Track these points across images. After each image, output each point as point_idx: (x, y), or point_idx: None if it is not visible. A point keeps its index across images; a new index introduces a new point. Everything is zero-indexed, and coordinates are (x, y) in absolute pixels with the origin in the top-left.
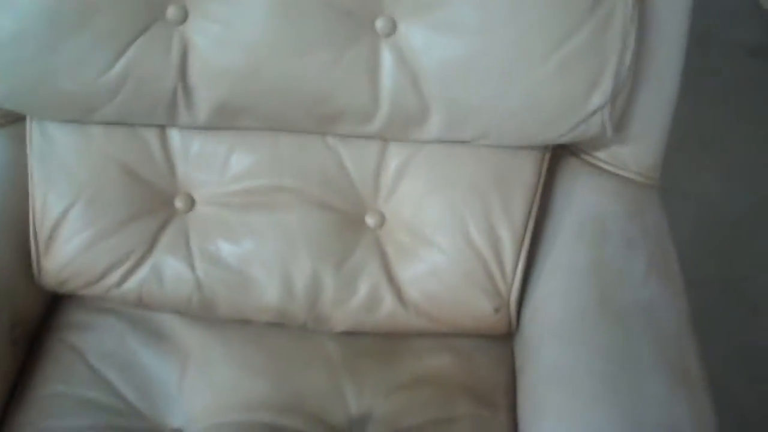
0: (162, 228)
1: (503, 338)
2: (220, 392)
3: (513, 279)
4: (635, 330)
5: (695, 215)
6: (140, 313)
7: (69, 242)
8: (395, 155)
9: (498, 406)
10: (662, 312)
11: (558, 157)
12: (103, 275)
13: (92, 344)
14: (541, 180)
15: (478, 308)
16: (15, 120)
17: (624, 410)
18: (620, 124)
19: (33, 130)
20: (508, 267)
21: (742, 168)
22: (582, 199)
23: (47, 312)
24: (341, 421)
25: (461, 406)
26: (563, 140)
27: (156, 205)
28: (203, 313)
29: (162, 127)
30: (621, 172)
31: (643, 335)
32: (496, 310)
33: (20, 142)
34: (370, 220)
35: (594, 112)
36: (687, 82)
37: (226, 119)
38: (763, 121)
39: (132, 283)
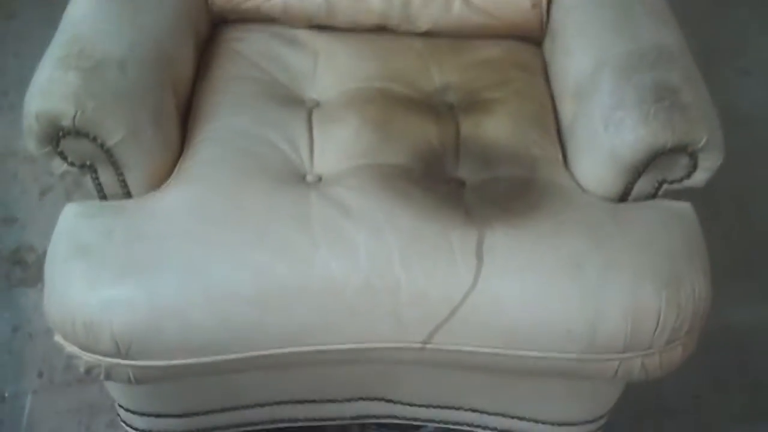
0: None
1: (537, 43)
2: (343, 73)
3: None
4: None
5: None
6: (280, 29)
7: None
8: None
9: (536, 73)
10: None
11: None
12: None
13: (248, 47)
14: None
15: (521, 3)
16: None
17: (627, 36)
18: None
19: None
20: None
21: None
22: None
23: (212, 36)
24: (430, 88)
25: (512, 73)
26: None
27: None
28: (327, 20)
29: None
30: None
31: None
32: (534, 6)
33: None
34: None
35: None
36: None
37: None
38: None
39: None
